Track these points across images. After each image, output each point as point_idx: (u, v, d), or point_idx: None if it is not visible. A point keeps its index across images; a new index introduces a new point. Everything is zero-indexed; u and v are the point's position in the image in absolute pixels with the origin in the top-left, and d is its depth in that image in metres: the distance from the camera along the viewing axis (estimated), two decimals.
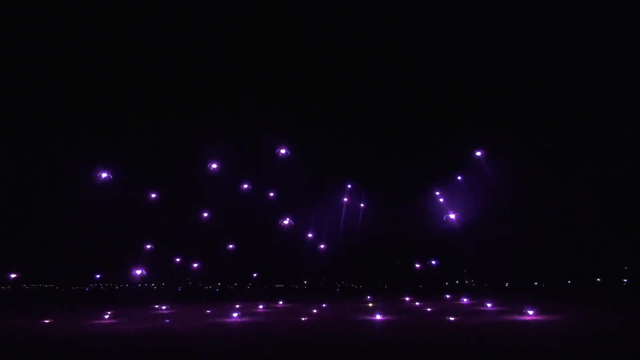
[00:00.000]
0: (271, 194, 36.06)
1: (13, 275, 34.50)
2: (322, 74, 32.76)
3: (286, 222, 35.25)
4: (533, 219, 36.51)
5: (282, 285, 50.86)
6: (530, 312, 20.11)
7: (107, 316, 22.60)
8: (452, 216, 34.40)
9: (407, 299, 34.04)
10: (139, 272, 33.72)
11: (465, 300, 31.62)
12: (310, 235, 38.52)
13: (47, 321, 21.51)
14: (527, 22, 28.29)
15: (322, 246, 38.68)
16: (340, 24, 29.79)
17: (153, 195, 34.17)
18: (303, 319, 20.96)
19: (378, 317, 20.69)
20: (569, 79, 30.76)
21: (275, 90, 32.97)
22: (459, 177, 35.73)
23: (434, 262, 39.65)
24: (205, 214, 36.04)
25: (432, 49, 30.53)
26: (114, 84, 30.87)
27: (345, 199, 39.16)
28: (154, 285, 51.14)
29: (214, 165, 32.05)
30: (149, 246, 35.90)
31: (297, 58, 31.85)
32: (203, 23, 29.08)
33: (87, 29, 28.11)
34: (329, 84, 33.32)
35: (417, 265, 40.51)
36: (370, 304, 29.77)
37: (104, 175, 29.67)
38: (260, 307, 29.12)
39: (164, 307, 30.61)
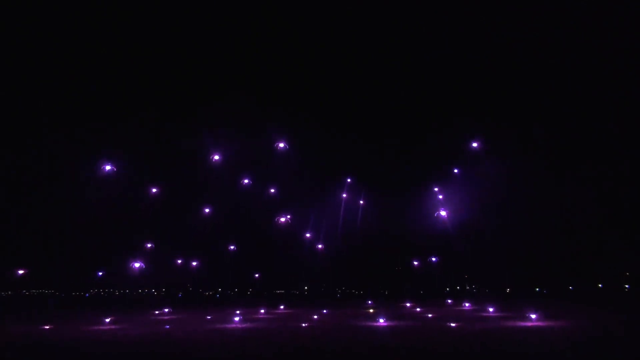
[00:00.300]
0: (272, 190, 35.90)
1: (21, 272, 34.22)
2: (320, 72, 32.80)
3: (283, 219, 35.07)
4: (533, 219, 36.41)
5: (282, 291, 50.67)
6: (533, 317, 20.00)
7: (107, 321, 22.48)
8: (443, 213, 34.12)
9: (408, 304, 33.84)
10: (137, 264, 33.53)
11: (467, 305, 31.48)
12: (308, 235, 38.35)
13: (47, 327, 21.40)
14: (527, 22, 28.22)
15: (320, 246, 38.49)
16: (337, 22, 29.77)
17: (154, 190, 33.96)
18: (304, 324, 20.86)
19: (381, 320, 20.58)
20: (569, 79, 30.71)
21: (274, 89, 33.04)
22: (456, 171, 35.47)
23: (434, 259, 39.31)
24: (207, 210, 35.89)
25: (432, 47, 30.48)
26: (115, 82, 30.89)
27: (344, 195, 38.87)
28: (154, 291, 51.00)
29: (216, 157, 31.83)
30: (149, 245, 35.75)
31: (295, 56, 31.88)
32: (204, 19, 29.04)
33: (86, 26, 28.04)
34: (326, 81, 33.36)
35: (416, 263, 40.18)
36: (371, 310, 29.58)
37: (107, 167, 29.31)
38: (262, 311, 29.01)
39: (166, 310, 30.53)
